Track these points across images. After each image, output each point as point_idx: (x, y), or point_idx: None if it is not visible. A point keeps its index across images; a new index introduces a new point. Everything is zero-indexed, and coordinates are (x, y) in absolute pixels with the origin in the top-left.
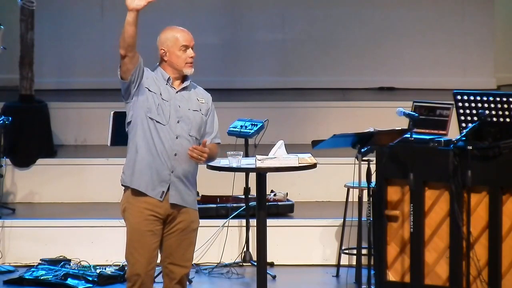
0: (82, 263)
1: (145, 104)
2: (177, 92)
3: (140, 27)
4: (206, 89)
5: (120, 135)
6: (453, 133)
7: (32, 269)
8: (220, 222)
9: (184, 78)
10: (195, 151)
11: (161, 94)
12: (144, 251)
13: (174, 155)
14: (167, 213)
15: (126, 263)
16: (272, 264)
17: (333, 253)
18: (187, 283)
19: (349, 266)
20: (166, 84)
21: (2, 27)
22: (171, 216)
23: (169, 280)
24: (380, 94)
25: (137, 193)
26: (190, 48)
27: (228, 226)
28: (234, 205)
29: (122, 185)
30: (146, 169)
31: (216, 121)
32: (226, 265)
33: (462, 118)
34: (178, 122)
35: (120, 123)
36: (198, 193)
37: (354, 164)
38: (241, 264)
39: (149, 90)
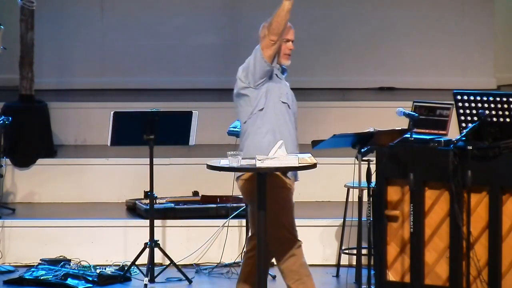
0: (82, 263)
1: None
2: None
3: (140, 27)
4: (206, 89)
5: (120, 135)
6: (453, 133)
7: (32, 269)
8: (220, 222)
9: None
10: None
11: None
12: None
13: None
14: None
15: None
16: (272, 264)
17: (333, 253)
18: (187, 283)
19: (349, 266)
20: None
21: (2, 27)
22: None
23: None
24: (380, 94)
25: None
26: (290, 42)
27: (228, 226)
28: (234, 205)
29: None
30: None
31: None
32: (226, 265)
33: (462, 118)
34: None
35: (120, 123)
36: None
37: (354, 164)
38: (241, 264)
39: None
